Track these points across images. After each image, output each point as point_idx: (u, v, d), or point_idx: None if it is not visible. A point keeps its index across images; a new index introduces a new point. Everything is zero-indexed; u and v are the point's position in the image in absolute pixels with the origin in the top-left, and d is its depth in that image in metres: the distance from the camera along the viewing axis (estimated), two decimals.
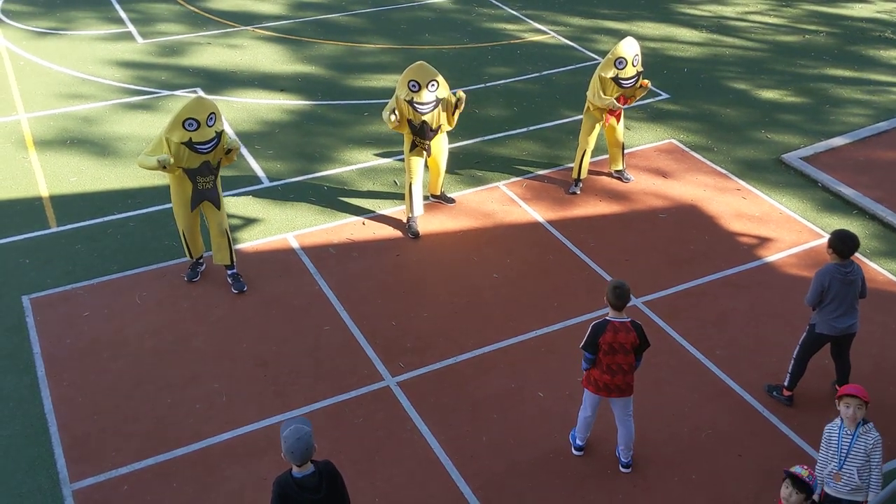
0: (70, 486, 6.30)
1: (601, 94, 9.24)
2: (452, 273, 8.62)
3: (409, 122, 8.60)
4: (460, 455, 6.63)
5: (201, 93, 11.93)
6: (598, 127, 9.57)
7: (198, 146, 7.54)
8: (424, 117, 8.55)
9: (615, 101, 9.20)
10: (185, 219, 7.97)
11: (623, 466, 6.53)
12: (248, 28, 14.18)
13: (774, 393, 7.18)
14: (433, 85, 8.44)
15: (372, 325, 7.90)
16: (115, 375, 7.28)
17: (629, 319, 6.07)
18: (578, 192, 9.89)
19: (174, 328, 7.82)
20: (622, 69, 9.10)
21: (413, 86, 8.40)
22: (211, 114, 7.53)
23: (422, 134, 8.66)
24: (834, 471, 5.45)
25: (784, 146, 11.02)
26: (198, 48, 13.37)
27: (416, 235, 9.08)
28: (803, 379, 7.13)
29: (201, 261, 8.43)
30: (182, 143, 7.49)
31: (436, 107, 8.56)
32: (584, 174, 9.86)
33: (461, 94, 8.68)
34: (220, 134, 7.68)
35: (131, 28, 14.05)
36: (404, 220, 9.29)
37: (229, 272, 8.32)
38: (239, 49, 13.37)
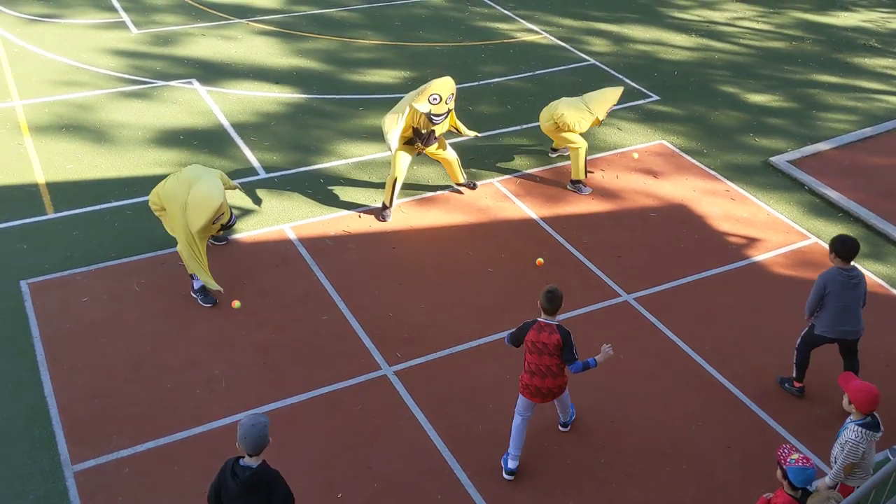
0: (71, 468, 6.37)
1: (571, 130, 9.77)
2: (448, 266, 8.75)
3: (415, 129, 8.95)
4: (457, 442, 6.76)
5: (196, 84, 11.98)
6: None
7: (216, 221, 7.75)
8: (434, 127, 8.93)
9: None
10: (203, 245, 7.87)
11: (561, 425, 6.85)
12: (243, 21, 14.22)
13: (786, 385, 7.40)
14: (451, 98, 8.86)
15: (369, 315, 8.01)
16: (114, 360, 7.35)
17: (556, 323, 6.17)
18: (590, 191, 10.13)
19: (173, 314, 7.89)
20: (610, 114, 9.80)
21: (434, 99, 8.76)
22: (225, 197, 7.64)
23: (426, 141, 9.05)
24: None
25: (772, 150, 11.26)
26: (192, 39, 13.41)
27: (383, 221, 9.36)
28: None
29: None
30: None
31: (447, 117, 8.99)
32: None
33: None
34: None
35: (125, 17, 14.05)
36: (380, 205, 9.54)
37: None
38: (234, 41, 13.42)
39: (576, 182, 10.06)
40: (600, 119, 9.75)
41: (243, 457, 4.82)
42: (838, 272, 6.87)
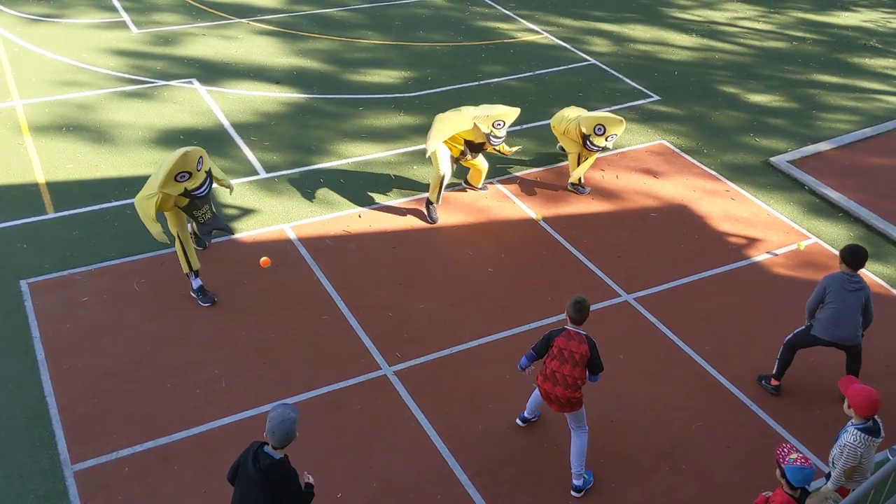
0: (71, 468, 6.37)
1: (564, 134, 9.84)
2: (448, 266, 8.75)
3: (468, 142, 9.16)
4: (457, 443, 6.76)
5: (196, 84, 11.98)
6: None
7: (194, 192, 7.59)
8: (488, 148, 9.28)
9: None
10: (181, 228, 7.87)
11: (573, 490, 6.40)
12: (243, 21, 14.22)
13: (763, 382, 7.41)
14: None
15: (369, 315, 8.01)
16: (115, 360, 7.35)
17: (585, 333, 6.15)
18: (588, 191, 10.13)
19: (173, 314, 7.89)
20: (599, 135, 9.53)
21: (498, 124, 9.02)
22: (199, 158, 7.55)
23: (475, 151, 9.32)
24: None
25: (772, 150, 11.26)
26: (192, 39, 13.40)
27: (434, 221, 9.37)
28: (793, 375, 7.35)
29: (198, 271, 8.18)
30: (179, 196, 7.56)
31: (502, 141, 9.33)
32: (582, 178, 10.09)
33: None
34: (209, 173, 7.75)
35: (125, 17, 14.04)
36: (424, 207, 9.55)
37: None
38: (234, 41, 13.42)
39: (574, 183, 10.06)
40: (584, 131, 9.47)
41: (268, 444, 4.89)
42: (841, 275, 6.98)
